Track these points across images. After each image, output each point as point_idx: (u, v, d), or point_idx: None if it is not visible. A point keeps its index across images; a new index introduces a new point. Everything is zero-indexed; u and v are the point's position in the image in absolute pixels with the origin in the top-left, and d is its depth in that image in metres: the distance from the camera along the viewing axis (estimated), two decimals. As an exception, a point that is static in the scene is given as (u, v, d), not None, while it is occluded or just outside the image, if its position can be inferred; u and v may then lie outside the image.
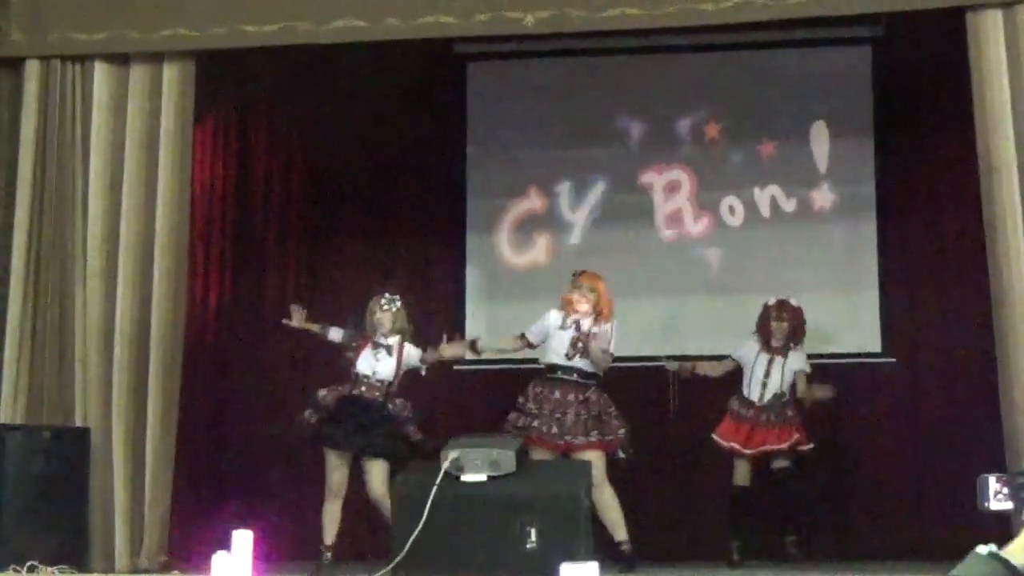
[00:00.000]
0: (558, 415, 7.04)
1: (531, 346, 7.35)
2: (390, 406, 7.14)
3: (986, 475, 4.79)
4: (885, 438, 8.71)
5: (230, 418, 9.20)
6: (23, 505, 6.43)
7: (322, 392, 7.19)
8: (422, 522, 5.88)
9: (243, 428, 9.16)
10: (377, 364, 7.14)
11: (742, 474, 7.81)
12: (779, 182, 9.25)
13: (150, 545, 6.81)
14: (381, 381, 7.14)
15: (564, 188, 9.45)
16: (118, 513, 6.77)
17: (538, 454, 6.95)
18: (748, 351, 7.94)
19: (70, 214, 6.92)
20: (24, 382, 6.86)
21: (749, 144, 9.29)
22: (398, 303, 7.25)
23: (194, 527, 8.15)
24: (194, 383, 8.02)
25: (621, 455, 7.10)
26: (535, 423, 7.03)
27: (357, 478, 7.12)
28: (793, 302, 8.00)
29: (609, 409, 7.13)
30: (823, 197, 9.19)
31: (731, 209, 9.28)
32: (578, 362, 7.11)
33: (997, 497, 4.50)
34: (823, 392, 7.94)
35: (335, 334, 7.33)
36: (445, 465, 6.04)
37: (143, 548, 6.80)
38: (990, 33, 6.30)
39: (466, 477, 6.04)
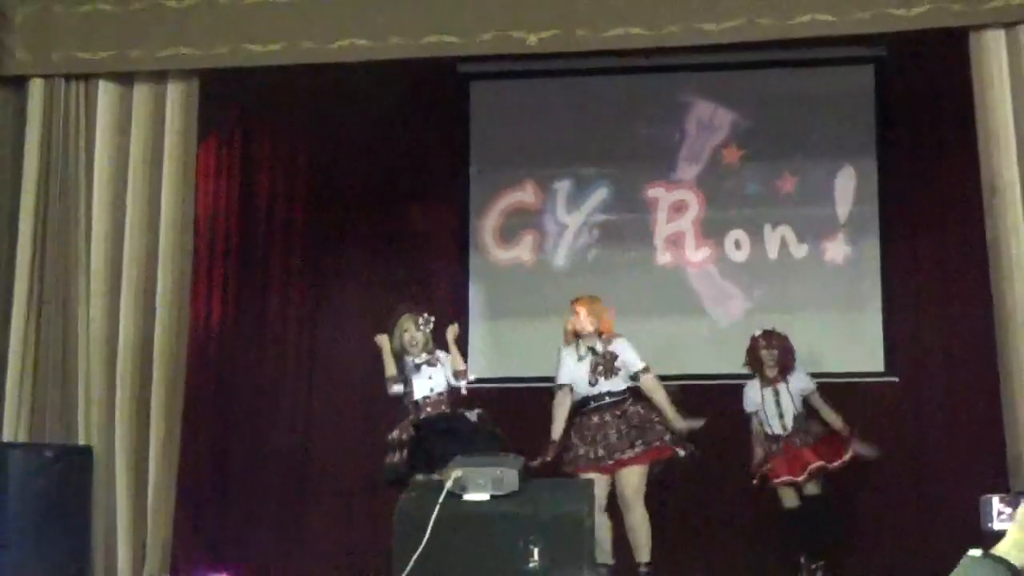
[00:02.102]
0: (600, 438, 7.06)
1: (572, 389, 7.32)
2: (459, 411, 7.12)
3: (989, 495, 4.78)
4: (888, 457, 8.69)
5: (233, 435, 9.20)
6: (25, 523, 6.40)
7: (392, 434, 7.11)
8: (424, 541, 5.86)
9: (247, 445, 9.16)
10: (430, 381, 7.09)
11: (790, 496, 7.83)
12: (793, 224, 9.13)
13: (153, 563, 6.79)
14: (440, 393, 7.10)
15: (563, 186, 9.41)
16: (121, 531, 6.75)
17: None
18: (753, 395, 7.96)
19: (74, 232, 6.91)
20: (27, 400, 6.84)
21: (768, 176, 9.19)
22: (432, 324, 7.21)
23: (197, 545, 8.15)
24: (197, 401, 8.02)
25: (682, 454, 7.09)
26: (581, 451, 7.07)
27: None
28: (779, 330, 8.00)
29: (651, 416, 7.16)
30: (836, 249, 9.06)
31: (737, 243, 9.17)
32: (603, 385, 7.15)
33: (1000, 517, 4.49)
34: (866, 451, 7.93)
35: (397, 388, 7.14)
36: (448, 484, 6.02)
37: (146, 566, 6.79)
38: (992, 52, 6.30)
39: (469, 496, 6.02)
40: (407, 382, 7.09)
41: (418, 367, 7.09)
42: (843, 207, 9.10)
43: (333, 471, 9.04)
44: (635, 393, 7.26)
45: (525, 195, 9.47)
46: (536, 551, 5.85)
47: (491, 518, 5.98)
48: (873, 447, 7.96)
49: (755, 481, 7.94)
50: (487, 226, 9.47)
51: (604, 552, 6.95)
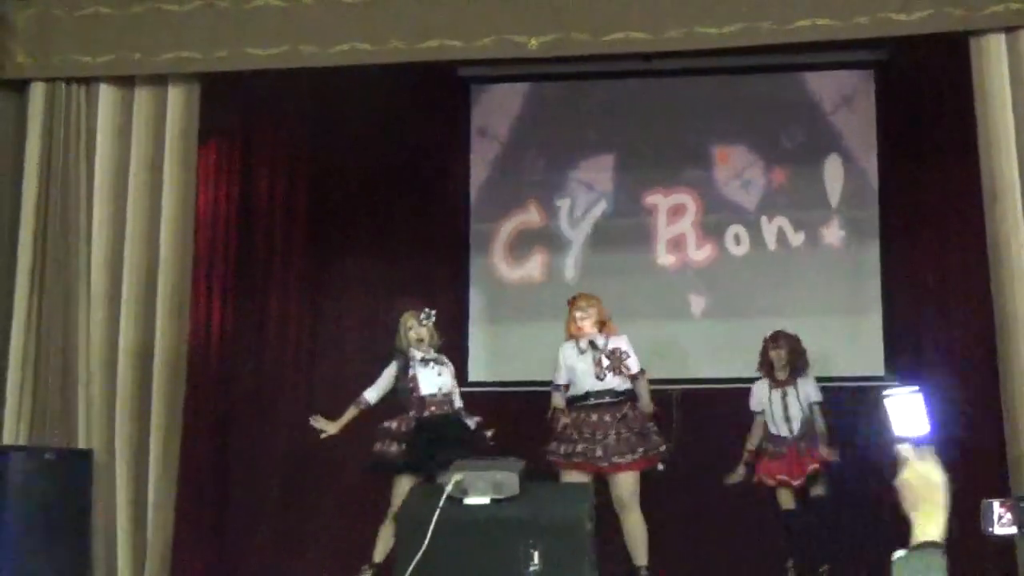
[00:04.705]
0: (600, 437, 7.06)
1: (566, 388, 7.36)
2: (463, 417, 7.18)
3: (990, 500, 4.76)
4: (887, 461, 8.68)
5: (233, 438, 9.19)
6: (25, 527, 6.39)
7: (390, 424, 7.15)
8: (425, 545, 5.86)
9: (247, 449, 9.15)
10: (440, 379, 7.16)
11: (787, 498, 7.84)
12: (788, 214, 9.22)
13: (153, 568, 6.78)
14: (446, 395, 7.17)
15: (565, 204, 9.44)
16: (120, 535, 6.75)
17: (572, 477, 7.00)
18: (761, 395, 7.96)
19: (74, 236, 6.91)
20: (27, 403, 6.84)
21: (760, 171, 9.26)
22: (434, 317, 7.25)
23: (197, 550, 8.13)
24: (197, 404, 8.01)
25: (660, 467, 7.13)
26: (579, 447, 7.07)
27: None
28: (789, 331, 8.01)
29: (648, 424, 7.19)
30: (832, 233, 9.15)
31: (736, 238, 9.25)
32: (610, 381, 7.15)
33: (1001, 522, 4.48)
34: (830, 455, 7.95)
35: (372, 394, 7.23)
36: (448, 488, 6.02)
37: (146, 569, 6.78)
38: (993, 57, 6.30)
39: (469, 500, 6.01)
40: (412, 378, 7.12)
41: (426, 362, 7.15)
42: (834, 191, 9.21)
43: (333, 475, 9.02)
44: (631, 397, 7.26)
45: (530, 216, 9.49)
46: (536, 555, 5.85)
47: (492, 522, 5.98)
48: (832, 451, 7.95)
49: (740, 475, 7.95)
50: (495, 247, 9.51)
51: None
